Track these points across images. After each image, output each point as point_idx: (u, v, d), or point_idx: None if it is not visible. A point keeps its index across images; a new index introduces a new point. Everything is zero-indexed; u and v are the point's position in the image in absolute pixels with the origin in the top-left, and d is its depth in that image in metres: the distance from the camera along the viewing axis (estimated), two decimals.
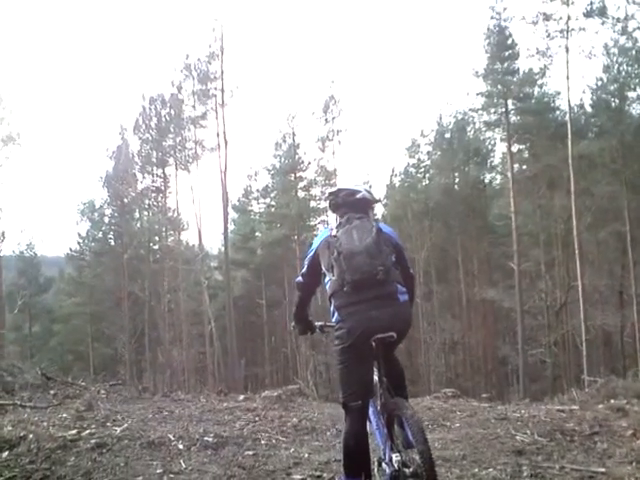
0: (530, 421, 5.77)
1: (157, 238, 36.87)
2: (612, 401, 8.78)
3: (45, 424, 5.95)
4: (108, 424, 6.07)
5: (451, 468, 4.21)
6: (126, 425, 5.89)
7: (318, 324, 3.74)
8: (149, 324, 33.79)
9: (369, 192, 3.52)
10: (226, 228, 30.61)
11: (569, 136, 24.36)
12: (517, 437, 4.98)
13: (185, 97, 32.99)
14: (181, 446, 4.95)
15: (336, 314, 3.15)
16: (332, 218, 3.52)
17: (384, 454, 3.02)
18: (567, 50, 24.55)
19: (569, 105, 25.50)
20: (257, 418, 6.72)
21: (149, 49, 73.48)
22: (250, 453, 4.81)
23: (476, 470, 4.13)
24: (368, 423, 3.25)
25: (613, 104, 26.82)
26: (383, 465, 3.00)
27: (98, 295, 37.24)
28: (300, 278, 3.51)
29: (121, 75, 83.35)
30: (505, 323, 36.65)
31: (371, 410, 3.27)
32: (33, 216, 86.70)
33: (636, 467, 4.05)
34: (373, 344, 3.06)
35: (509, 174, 29.98)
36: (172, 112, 34.04)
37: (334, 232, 3.20)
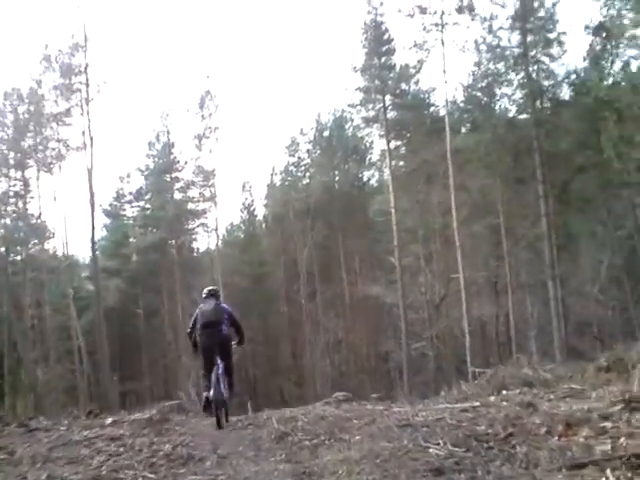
0: (437, 426, 5.15)
1: (18, 247, 33.44)
2: (504, 392, 8.59)
3: None
4: None
5: None
6: None
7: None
8: (9, 342, 30.61)
9: (217, 291, 8.32)
10: (93, 231, 28.34)
11: (447, 129, 24.94)
12: (430, 450, 4.28)
13: (46, 92, 30.31)
14: None
15: (197, 340, 7.70)
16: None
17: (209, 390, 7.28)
18: (442, 43, 25.25)
19: (446, 98, 26.43)
20: (122, 449, 5.62)
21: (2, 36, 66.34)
22: None
23: None
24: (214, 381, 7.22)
25: (483, 101, 27.78)
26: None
27: None
28: (189, 330, 7.96)
29: None
30: (388, 319, 37.03)
31: (214, 377, 7.24)
32: None
33: (567, 474, 3.48)
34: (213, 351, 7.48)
35: (387, 170, 30.23)
36: (31, 108, 31.04)
37: (200, 306, 7.85)
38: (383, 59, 30.13)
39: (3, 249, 32.98)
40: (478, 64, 27.16)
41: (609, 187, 24.56)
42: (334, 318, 36.16)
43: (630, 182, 23.25)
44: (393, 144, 32.04)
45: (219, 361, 7.33)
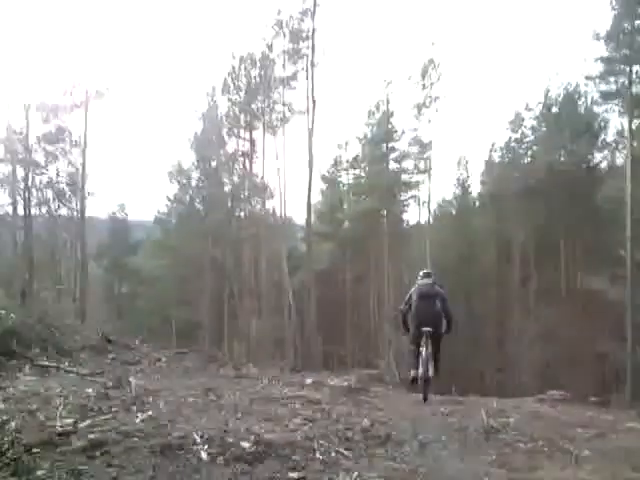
0: None
1: (242, 204, 36.01)
2: None
3: (60, 400, 4.87)
4: (134, 408, 4.89)
5: None
6: (151, 413, 4.67)
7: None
8: (230, 291, 33.39)
9: (432, 273, 8.33)
10: (310, 192, 29.21)
11: None
12: None
13: (275, 56, 31.94)
14: (205, 455, 3.63)
15: (409, 315, 7.93)
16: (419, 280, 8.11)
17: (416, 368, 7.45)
18: None
19: None
20: (319, 415, 5.37)
21: (239, 4, 70.32)
22: (294, 476, 3.42)
23: None
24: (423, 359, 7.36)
25: None
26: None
27: (182, 259, 37.03)
28: (402, 307, 8.08)
29: (210, 31, 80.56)
30: (608, 317, 33.45)
31: (423, 355, 7.37)
32: (125, 179, 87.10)
33: None
34: (423, 331, 7.50)
35: (626, 152, 26.75)
36: (262, 72, 32.94)
37: (418, 283, 8.01)
38: (637, 23, 25.92)
39: (230, 204, 35.87)
40: None
41: None
42: (547, 307, 33.56)
43: None
44: (635, 123, 28.16)
45: (429, 341, 7.47)
